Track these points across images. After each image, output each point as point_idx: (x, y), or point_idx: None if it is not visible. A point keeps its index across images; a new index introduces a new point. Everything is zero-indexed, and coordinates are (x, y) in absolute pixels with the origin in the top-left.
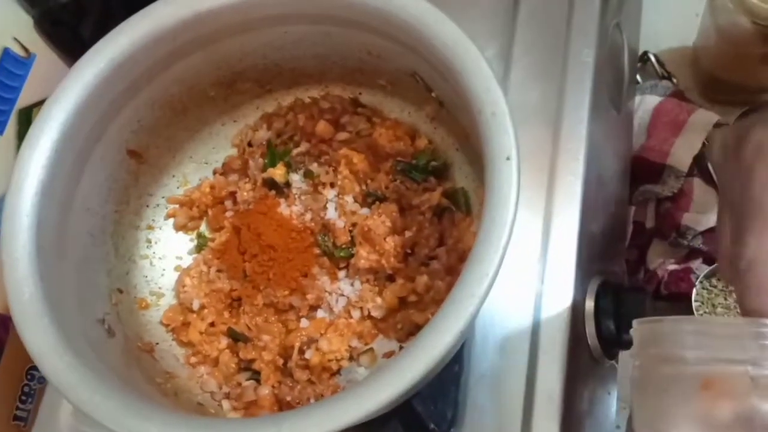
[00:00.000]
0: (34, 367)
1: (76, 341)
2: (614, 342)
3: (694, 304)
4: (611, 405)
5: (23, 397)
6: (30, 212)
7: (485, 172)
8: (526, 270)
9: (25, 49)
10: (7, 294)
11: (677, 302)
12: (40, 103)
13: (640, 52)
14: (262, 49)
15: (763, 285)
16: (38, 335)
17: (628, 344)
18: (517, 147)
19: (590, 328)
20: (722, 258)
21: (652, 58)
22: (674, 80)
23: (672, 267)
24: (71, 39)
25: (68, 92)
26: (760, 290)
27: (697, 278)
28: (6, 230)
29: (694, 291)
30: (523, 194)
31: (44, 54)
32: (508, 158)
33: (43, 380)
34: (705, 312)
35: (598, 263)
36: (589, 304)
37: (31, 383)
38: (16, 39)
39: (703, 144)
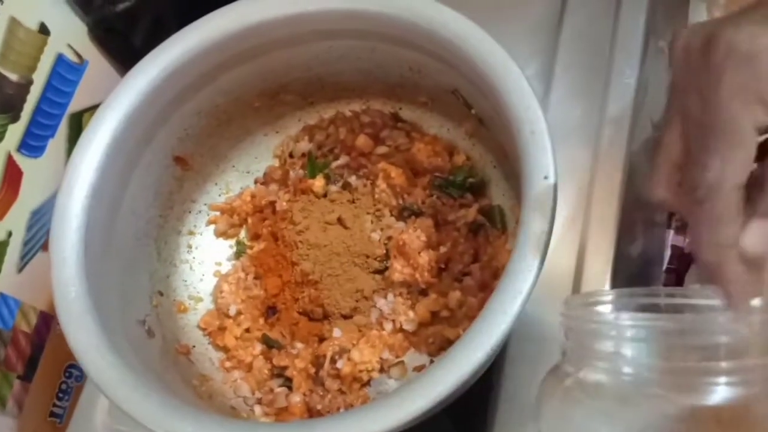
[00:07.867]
0: (73, 365)
1: (118, 340)
2: None
3: None
4: None
5: (60, 395)
6: (80, 213)
7: (522, 190)
8: (561, 289)
9: (79, 56)
10: (53, 292)
11: None
12: (91, 109)
13: None
14: (307, 62)
15: (723, 217)
16: (82, 333)
17: None
18: (555, 166)
19: None
20: (665, 177)
21: None
22: None
23: None
24: (123, 47)
25: (121, 99)
26: (718, 225)
27: None
28: (56, 230)
29: None
30: (560, 212)
31: (96, 61)
32: (545, 177)
33: (80, 378)
34: None
35: (633, 286)
36: None
37: (68, 381)
38: (70, 45)
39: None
